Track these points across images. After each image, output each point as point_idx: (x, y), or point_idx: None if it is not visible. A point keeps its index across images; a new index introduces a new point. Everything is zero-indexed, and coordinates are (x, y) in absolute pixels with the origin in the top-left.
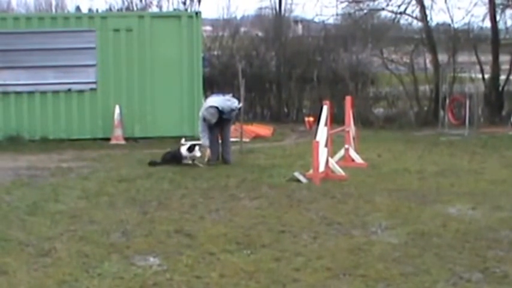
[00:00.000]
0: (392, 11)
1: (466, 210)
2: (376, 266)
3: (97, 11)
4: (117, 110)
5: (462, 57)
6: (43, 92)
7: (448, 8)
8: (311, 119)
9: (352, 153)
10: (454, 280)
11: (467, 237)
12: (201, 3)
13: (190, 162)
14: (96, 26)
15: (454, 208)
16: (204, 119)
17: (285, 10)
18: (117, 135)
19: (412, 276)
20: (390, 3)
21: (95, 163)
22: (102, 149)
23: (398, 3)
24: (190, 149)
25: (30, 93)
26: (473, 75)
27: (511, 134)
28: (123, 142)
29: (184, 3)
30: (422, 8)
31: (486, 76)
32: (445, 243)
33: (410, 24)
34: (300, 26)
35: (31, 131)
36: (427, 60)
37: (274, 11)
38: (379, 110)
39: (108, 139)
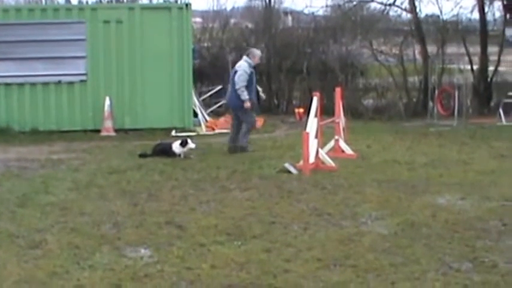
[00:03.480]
0: (381, 3)
1: (455, 200)
2: (366, 257)
3: (87, 2)
4: (107, 102)
5: (451, 49)
6: (33, 84)
7: (436, 0)
8: (301, 110)
9: (342, 144)
10: (444, 270)
11: (457, 228)
12: None
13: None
14: (86, 18)
15: (443, 198)
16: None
17: (274, 2)
18: (107, 126)
19: (402, 266)
20: None
21: (85, 155)
22: (93, 140)
23: None
24: (183, 143)
25: (20, 85)
26: (462, 67)
27: (500, 124)
28: (113, 134)
29: None
30: (411, 0)
31: (475, 67)
32: (434, 234)
33: (399, 15)
34: (289, 18)
35: (21, 123)
36: (416, 52)
37: (264, 3)
38: (368, 101)
39: (99, 131)
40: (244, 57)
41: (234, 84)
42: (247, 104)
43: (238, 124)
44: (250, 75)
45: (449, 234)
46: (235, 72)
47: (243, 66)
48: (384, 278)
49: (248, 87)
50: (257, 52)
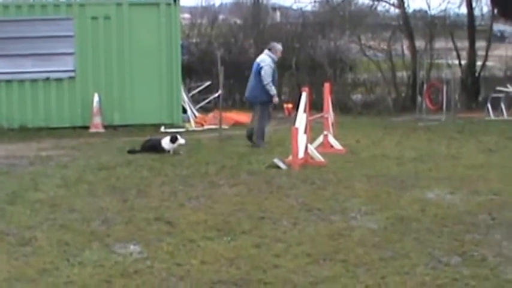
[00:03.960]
0: None
1: (444, 195)
2: (356, 251)
3: None
4: (96, 98)
5: (439, 44)
6: (21, 81)
7: None
8: (290, 105)
9: (331, 140)
10: (433, 264)
11: (446, 222)
12: None
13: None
14: (74, 14)
15: (432, 193)
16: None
17: None
18: (96, 123)
19: (392, 260)
20: None
21: (74, 151)
22: (82, 137)
23: None
24: (173, 139)
25: (8, 81)
26: (450, 61)
27: (488, 119)
28: (102, 130)
29: None
30: None
31: (463, 62)
32: (423, 228)
33: (387, 11)
34: (278, 13)
35: (9, 120)
36: (405, 47)
37: None
38: (357, 96)
39: (87, 127)
40: (266, 51)
41: (256, 78)
42: (276, 99)
43: (262, 115)
44: (273, 70)
45: (439, 228)
46: (260, 67)
47: (267, 61)
48: (374, 273)
49: (272, 81)
50: (279, 46)
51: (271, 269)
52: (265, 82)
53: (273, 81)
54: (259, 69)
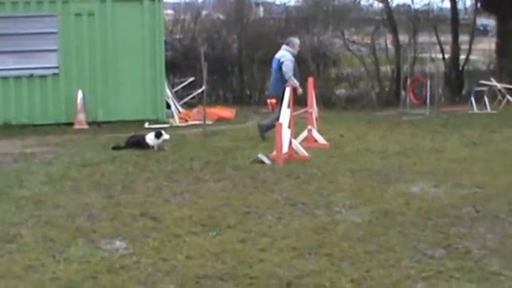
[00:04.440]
0: None
1: (428, 188)
2: (341, 245)
3: None
4: (79, 95)
5: (422, 38)
6: (5, 78)
7: None
8: (273, 101)
9: (315, 134)
10: (418, 257)
11: (430, 215)
12: None
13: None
14: (57, 11)
15: (416, 187)
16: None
17: None
18: (80, 119)
19: (377, 254)
20: None
21: (59, 148)
22: (66, 133)
23: None
24: (158, 135)
25: None
26: (433, 55)
27: (471, 112)
28: (86, 127)
29: None
30: None
31: (446, 56)
32: (408, 221)
33: (371, 5)
34: (261, 9)
35: None
36: (388, 41)
37: None
38: (341, 91)
39: (72, 124)
40: (285, 46)
41: (277, 74)
42: (300, 91)
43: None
44: (294, 65)
45: (423, 221)
46: (281, 63)
47: (287, 56)
48: (359, 266)
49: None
50: (296, 41)
51: (257, 263)
52: (287, 76)
53: (294, 75)
54: (280, 65)
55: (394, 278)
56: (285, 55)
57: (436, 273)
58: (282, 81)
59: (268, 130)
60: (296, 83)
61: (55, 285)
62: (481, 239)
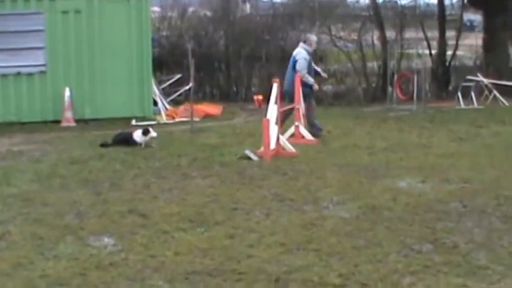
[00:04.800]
0: None
1: (415, 183)
2: (329, 240)
3: None
4: (67, 93)
5: (409, 34)
6: None
7: None
8: (260, 97)
9: (302, 130)
10: (405, 252)
11: (417, 210)
12: None
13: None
14: (44, 8)
15: (403, 182)
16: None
17: None
18: (68, 117)
19: (364, 249)
20: None
21: (46, 146)
22: (53, 131)
23: None
24: (145, 132)
25: None
26: (420, 51)
27: (458, 108)
28: (73, 124)
29: None
30: None
31: (433, 52)
32: (395, 217)
33: (357, 1)
34: (248, 5)
35: None
36: (375, 37)
37: None
38: (327, 87)
39: (59, 121)
40: (301, 44)
41: (292, 72)
42: (316, 87)
43: (307, 107)
44: (309, 62)
45: (410, 216)
46: (295, 60)
47: (302, 54)
48: (347, 261)
49: (308, 73)
50: (313, 38)
51: (245, 259)
52: (301, 74)
53: (309, 72)
54: (294, 63)
55: (382, 273)
56: (300, 53)
57: (424, 267)
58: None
59: (316, 128)
60: (311, 80)
61: (44, 283)
62: (468, 233)
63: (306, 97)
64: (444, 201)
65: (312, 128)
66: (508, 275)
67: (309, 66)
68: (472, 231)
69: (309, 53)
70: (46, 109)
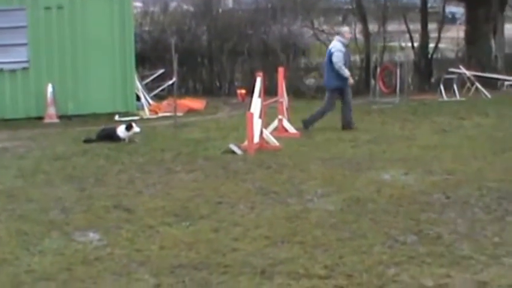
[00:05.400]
0: None
1: (399, 175)
2: (314, 233)
3: None
4: (49, 89)
5: (392, 26)
6: None
7: None
8: (243, 91)
9: (286, 124)
10: (390, 243)
11: (401, 202)
12: None
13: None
14: (26, 4)
15: (387, 174)
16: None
17: None
18: (51, 113)
19: (349, 241)
20: None
21: (30, 142)
22: (36, 128)
23: None
24: (128, 127)
25: None
26: (403, 44)
27: (441, 100)
28: (56, 120)
29: None
30: None
31: (415, 44)
32: (379, 208)
33: None
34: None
35: None
36: (358, 30)
37: None
38: (310, 81)
39: (42, 118)
40: (336, 37)
41: (328, 64)
42: (351, 81)
43: (344, 101)
44: (344, 54)
45: (394, 208)
46: (331, 53)
47: (337, 46)
48: (332, 253)
49: (344, 65)
50: (345, 29)
51: (230, 252)
52: (337, 67)
53: (345, 63)
54: (330, 55)
55: (367, 264)
56: (335, 45)
57: (408, 258)
58: (335, 72)
59: (311, 123)
60: (347, 72)
61: (30, 278)
62: (451, 224)
63: (343, 91)
64: (428, 193)
65: (346, 121)
66: (491, 265)
67: (345, 58)
68: (455, 222)
69: (344, 45)
70: (29, 105)
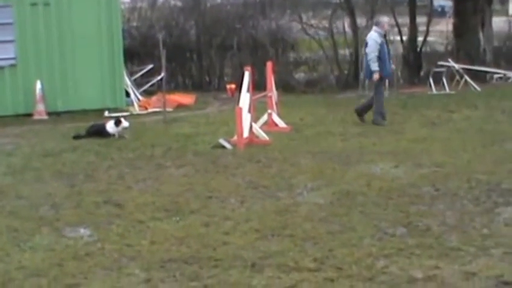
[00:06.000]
0: None
1: (388, 168)
2: (304, 226)
3: None
4: (38, 85)
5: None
6: None
7: None
8: (233, 86)
9: (275, 118)
10: (380, 236)
11: (391, 195)
12: None
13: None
14: (12, 1)
15: (377, 167)
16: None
17: None
18: (40, 110)
19: (339, 234)
20: None
21: (19, 139)
22: (25, 124)
23: None
24: (117, 123)
25: None
26: (391, 37)
27: (430, 93)
28: (45, 117)
29: None
30: None
31: (404, 38)
32: (369, 201)
33: None
34: None
35: None
36: (346, 24)
37: None
38: (300, 75)
39: (31, 115)
40: (374, 27)
41: (366, 55)
42: (376, 76)
43: (375, 94)
44: (381, 45)
45: (384, 201)
46: (366, 43)
47: (373, 37)
48: (322, 246)
49: (380, 57)
50: (384, 19)
51: (221, 246)
52: (369, 57)
53: (383, 54)
54: (366, 46)
55: (356, 256)
56: (371, 35)
57: (397, 250)
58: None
59: (381, 117)
60: (375, 66)
61: (21, 274)
62: (440, 216)
63: (377, 85)
64: (417, 185)
65: (376, 114)
66: (480, 256)
67: (381, 48)
68: (444, 214)
69: (380, 35)
70: (17, 102)
